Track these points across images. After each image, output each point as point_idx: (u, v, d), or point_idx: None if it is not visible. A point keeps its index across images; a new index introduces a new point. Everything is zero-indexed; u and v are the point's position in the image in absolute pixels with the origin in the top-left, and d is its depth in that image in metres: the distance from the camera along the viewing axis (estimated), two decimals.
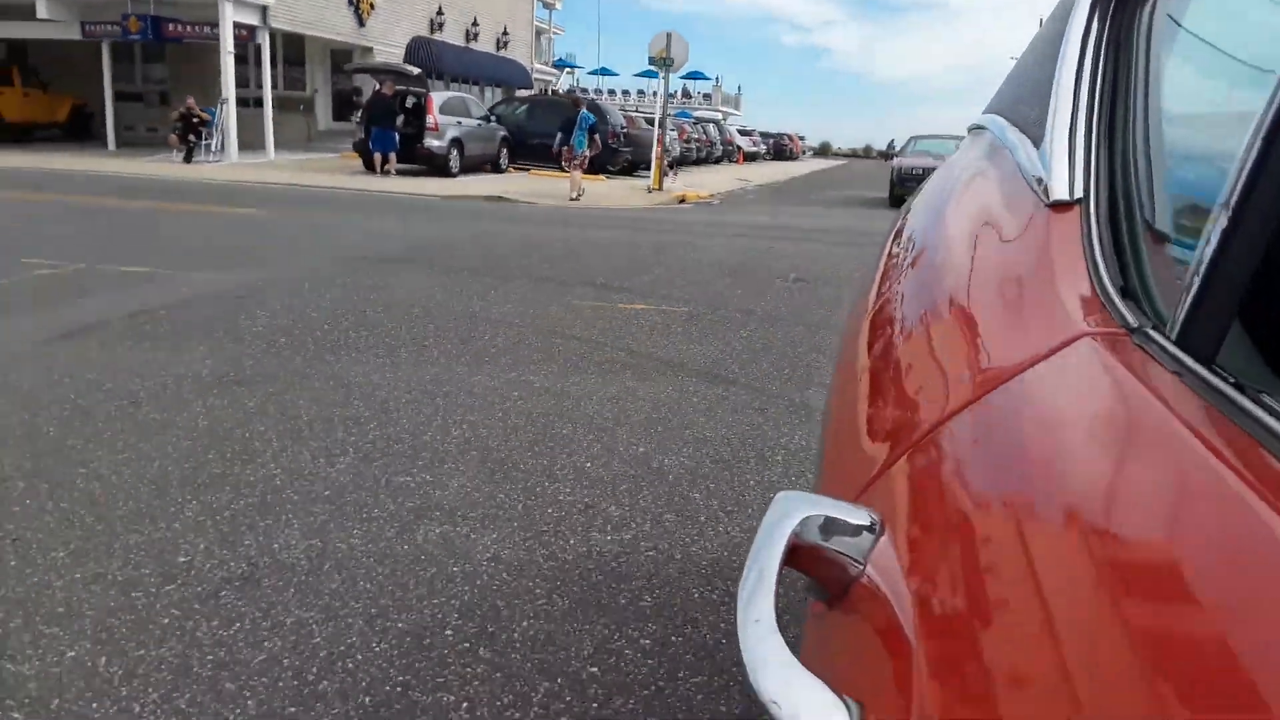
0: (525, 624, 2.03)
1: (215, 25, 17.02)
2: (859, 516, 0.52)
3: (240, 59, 17.94)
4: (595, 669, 1.88)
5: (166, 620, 1.97)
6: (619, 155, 20.11)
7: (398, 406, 3.49)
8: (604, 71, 46.98)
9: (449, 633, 1.98)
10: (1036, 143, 0.81)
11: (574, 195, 14.26)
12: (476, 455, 3.03)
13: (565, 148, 14.58)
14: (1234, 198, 0.43)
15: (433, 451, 3.04)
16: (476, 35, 27.24)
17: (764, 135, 47.66)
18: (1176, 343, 0.46)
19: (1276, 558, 0.31)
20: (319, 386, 3.70)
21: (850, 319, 1.24)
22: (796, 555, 0.49)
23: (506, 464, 2.97)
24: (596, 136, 15.06)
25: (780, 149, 49.05)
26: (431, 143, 16.14)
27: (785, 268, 7.61)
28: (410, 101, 16.52)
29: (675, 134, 23.31)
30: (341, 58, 22.40)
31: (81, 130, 19.99)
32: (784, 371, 4.32)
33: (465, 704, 1.75)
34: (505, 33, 29.38)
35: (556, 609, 2.10)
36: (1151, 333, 0.49)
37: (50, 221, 8.42)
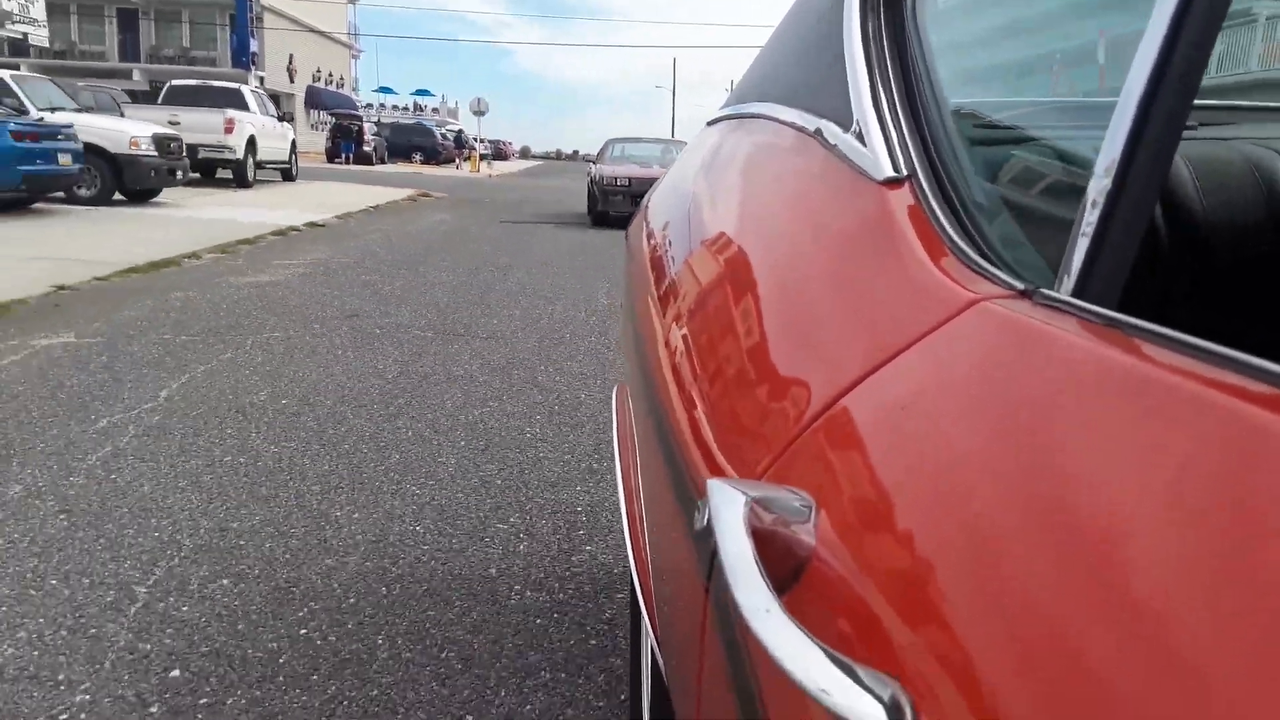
0: None
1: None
2: (793, 497, 0.53)
3: None
4: None
5: None
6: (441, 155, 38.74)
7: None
8: (385, 90, 63.57)
9: None
10: (844, 125, 0.81)
11: (460, 170, 33.27)
12: None
13: (459, 149, 33.46)
14: (1115, 165, 0.47)
15: None
16: (330, 81, 44.42)
17: (489, 141, 66.91)
18: (1075, 297, 0.48)
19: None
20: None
21: (636, 305, 1.28)
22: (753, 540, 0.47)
23: None
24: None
25: (499, 152, 68.51)
26: (366, 149, 33.83)
27: (553, 178, 27.18)
28: (355, 126, 34.13)
29: (491, 142, 42.80)
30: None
31: None
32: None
33: None
34: (342, 79, 46.73)
35: None
36: (1049, 291, 0.49)
37: None
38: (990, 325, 0.51)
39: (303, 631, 1.99)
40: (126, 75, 32.97)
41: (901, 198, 0.68)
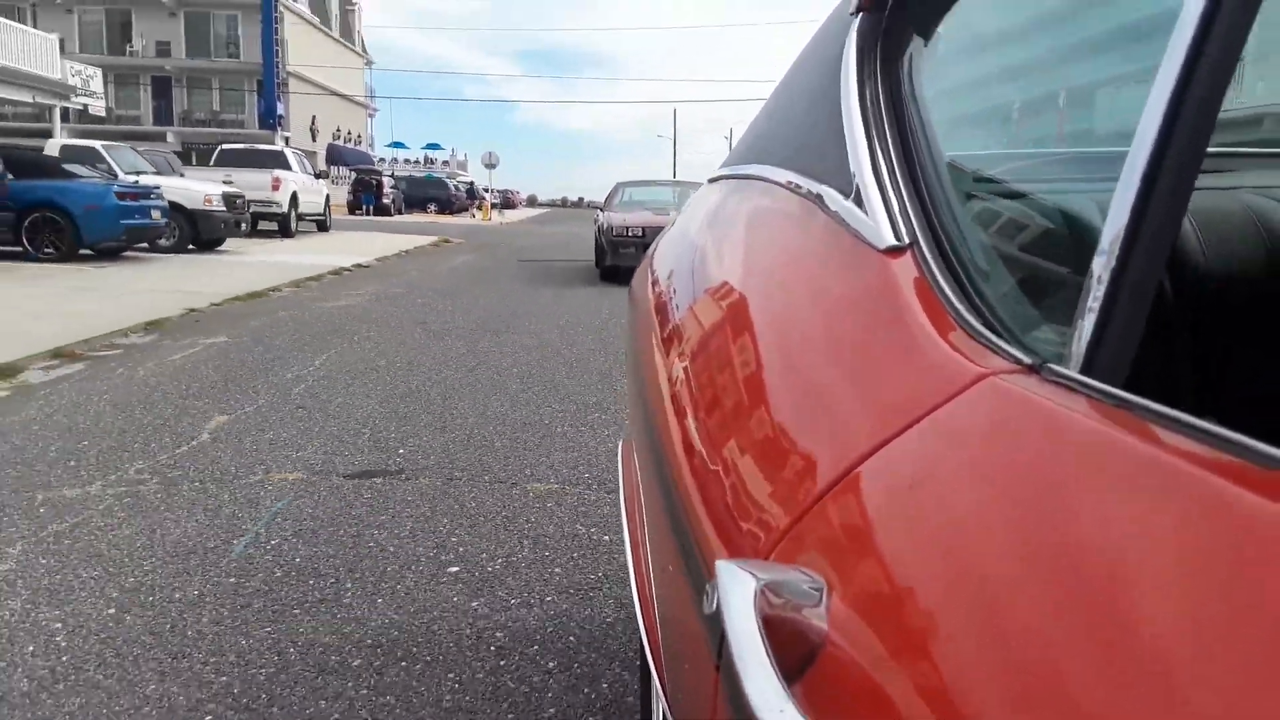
0: None
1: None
2: (804, 579, 0.51)
3: None
4: None
5: None
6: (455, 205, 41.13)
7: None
8: (398, 145, 66.44)
9: None
10: (845, 192, 0.81)
11: (474, 218, 35.50)
12: None
13: (471, 199, 35.74)
14: (1119, 236, 0.47)
15: None
16: (349, 138, 47.11)
17: (497, 191, 69.83)
18: (1083, 373, 0.47)
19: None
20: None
21: (641, 357, 1.28)
22: (764, 627, 0.47)
23: None
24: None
25: (507, 201, 71.40)
26: (385, 201, 36.18)
27: (561, 225, 29.34)
28: (375, 180, 36.52)
29: (499, 192, 45.23)
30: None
31: None
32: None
33: None
34: (359, 136, 49.47)
35: None
36: (1057, 367, 0.49)
37: None
38: (999, 401, 0.50)
39: (458, 422, 3.95)
40: (161, 138, 35.51)
41: (905, 267, 0.67)
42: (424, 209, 39.01)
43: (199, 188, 14.13)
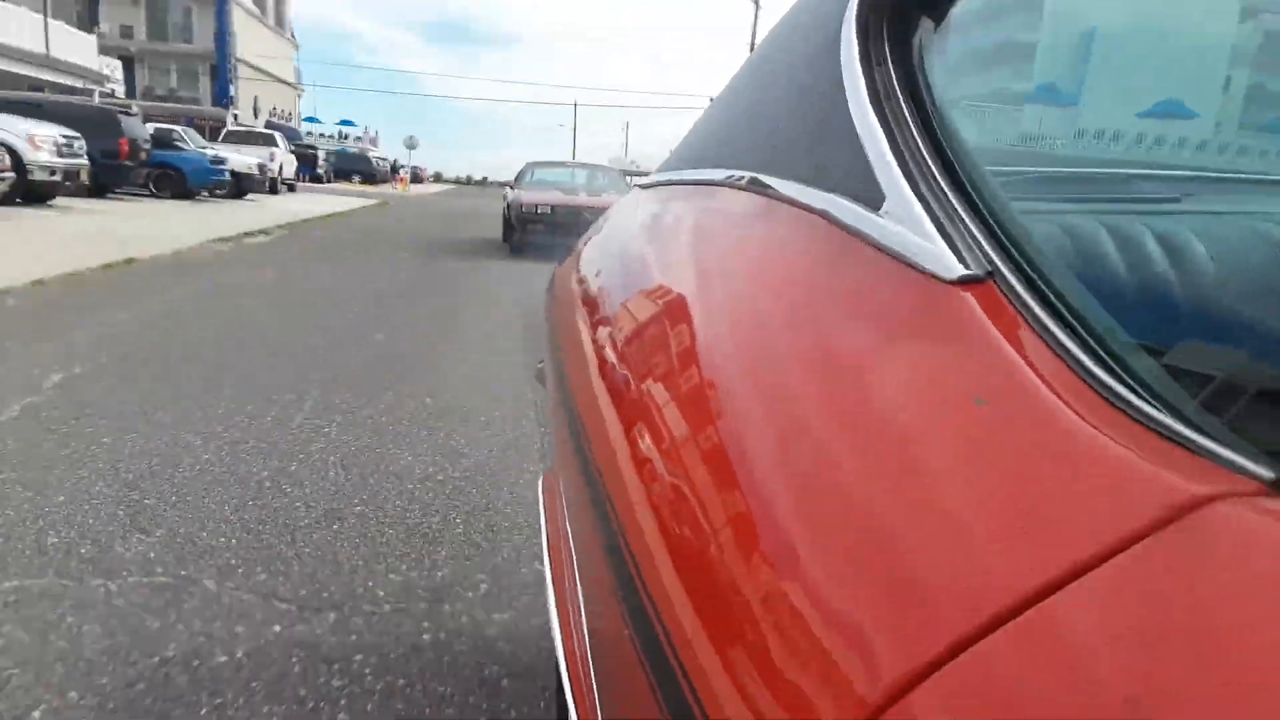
0: None
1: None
2: None
3: None
4: None
5: None
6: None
7: None
8: (312, 120, 72.54)
9: None
10: (873, 206, 0.63)
11: (394, 189, 43.38)
12: None
13: (394, 174, 43.60)
14: None
15: None
16: (281, 115, 54.09)
17: (410, 167, 77.07)
18: None
19: None
20: None
21: (569, 377, 1.05)
22: None
23: None
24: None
25: (416, 176, 78.69)
26: (319, 171, 43.56)
27: (471, 199, 37.52)
28: (312, 154, 43.88)
29: (410, 168, 52.80)
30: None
31: None
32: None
33: None
34: (289, 113, 56.41)
35: None
36: None
37: None
38: (1247, 543, 0.30)
39: (450, 250, 12.60)
40: (128, 110, 42.06)
41: (991, 307, 0.48)
42: (349, 179, 46.33)
43: (244, 159, 22.05)
